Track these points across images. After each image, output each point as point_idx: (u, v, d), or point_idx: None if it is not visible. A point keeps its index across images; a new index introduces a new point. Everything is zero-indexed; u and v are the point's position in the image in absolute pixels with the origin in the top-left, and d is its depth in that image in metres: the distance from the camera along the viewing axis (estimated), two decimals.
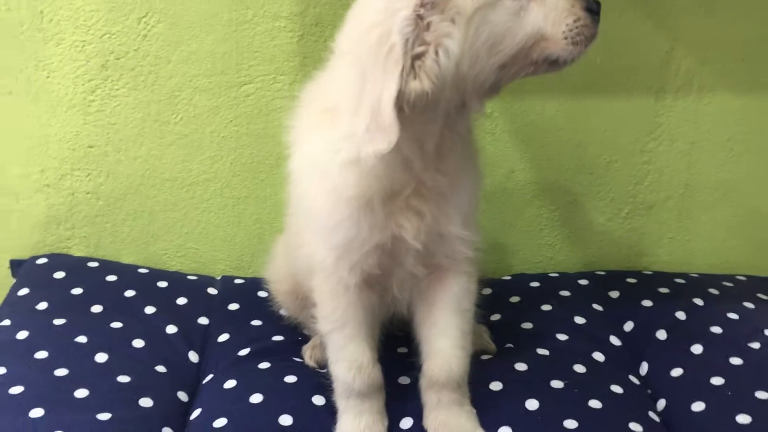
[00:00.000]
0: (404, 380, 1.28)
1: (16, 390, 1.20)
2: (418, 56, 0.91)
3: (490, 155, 1.60)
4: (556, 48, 1.01)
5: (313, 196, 1.10)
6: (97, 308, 1.44)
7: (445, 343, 1.16)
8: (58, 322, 1.38)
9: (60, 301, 1.45)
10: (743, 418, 1.17)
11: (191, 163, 1.59)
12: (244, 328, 1.44)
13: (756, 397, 1.21)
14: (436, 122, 1.01)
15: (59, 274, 1.53)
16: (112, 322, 1.40)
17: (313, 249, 1.13)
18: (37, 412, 1.16)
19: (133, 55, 1.51)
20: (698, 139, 1.64)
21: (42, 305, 1.43)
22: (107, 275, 1.54)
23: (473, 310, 1.20)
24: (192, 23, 1.49)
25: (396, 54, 0.88)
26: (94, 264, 1.58)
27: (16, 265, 1.60)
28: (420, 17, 0.90)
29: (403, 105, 0.91)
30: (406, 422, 1.20)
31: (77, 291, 1.48)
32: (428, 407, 1.17)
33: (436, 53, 0.92)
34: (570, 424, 1.16)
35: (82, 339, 1.34)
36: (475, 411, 1.19)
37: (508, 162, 1.63)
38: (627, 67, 1.58)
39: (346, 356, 1.15)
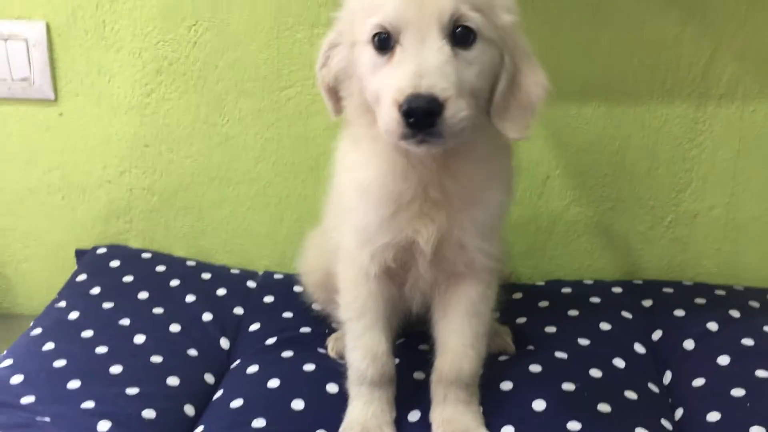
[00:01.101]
0: (419, 375, 1.31)
1: (60, 363, 1.32)
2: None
3: (524, 160, 1.61)
4: (379, 121, 0.98)
5: (343, 175, 1.18)
6: (143, 295, 1.54)
7: (457, 342, 1.18)
8: (106, 305, 1.50)
9: (111, 287, 1.56)
10: (757, 430, 1.13)
11: (237, 163, 1.68)
12: (275, 319, 1.51)
13: None
14: (379, 138, 1.04)
15: (115, 263, 1.65)
16: (154, 308, 1.50)
17: (342, 231, 1.19)
18: (74, 384, 1.27)
19: (184, 61, 1.62)
20: (744, 148, 1.59)
21: (95, 290, 1.55)
22: (157, 266, 1.65)
23: (490, 314, 1.21)
24: (237, 31, 1.59)
25: (327, 40, 1.08)
26: (147, 255, 1.70)
27: (80, 255, 1.74)
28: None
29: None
30: (414, 415, 1.23)
31: (128, 279, 1.59)
32: (435, 402, 1.19)
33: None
34: (573, 425, 1.16)
35: (125, 322, 1.45)
36: (481, 411, 1.20)
37: (543, 167, 1.64)
38: (667, 71, 1.55)
39: (363, 344, 1.18)
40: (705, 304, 1.50)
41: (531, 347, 1.40)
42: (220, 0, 1.57)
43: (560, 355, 1.36)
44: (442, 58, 0.95)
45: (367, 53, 1.00)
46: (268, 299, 1.58)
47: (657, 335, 1.44)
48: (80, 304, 1.50)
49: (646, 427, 1.17)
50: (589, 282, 1.64)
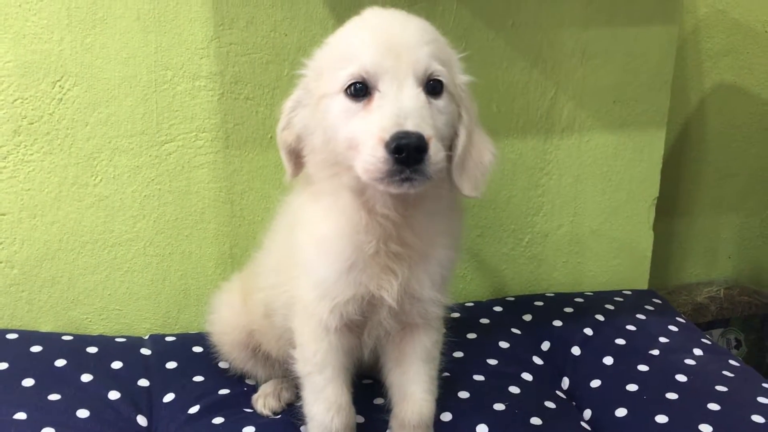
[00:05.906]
0: (359, 419, 1.33)
1: None
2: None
3: None
4: (358, 165, 1.00)
5: (299, 229, 1.17)
6: (28, 382, 1.38)
7: (416, 389, 1.22)
8: None
9: None
10: (661, 418, 1.33)
11: (112, 224, 1.57)
12: (187, 386, 1.43)
13: (667, 398, 1.38)
14: (341, 193, 1.09)
15: None
16: (49, 394, 1.35)
17: (296, 285, 1.17)
18: None
19: (48, 119, 1.48)
20: (582, 173, 1.84)
21: None
22: (31, 346, 1.48)
23: (439, 358, 1.26)
24: (110, 85, 1.49)
25: (289, 102, 1.11)
26: (13, 336, 1.51)
27: None
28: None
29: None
30: None
31: (2, 366, 1.41)
32: None
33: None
34: None
35: (21, 416, 1.29)
36: None
37: None
38: (520, 111, 1.75)
39: (325, 397, 1.18)
40: (573, 312, 1.71)
41: (447, 374, 1.49)
42: (89, 53, 1.47)
43: (478, 378, 1.47)
44: (420, 103, 1.01)
45: (339, 102, 1.03)
46: (171, 365, 1.49)
47: (546, 346, 1.61)
48: None
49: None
50: (471, 304, 1.78)
